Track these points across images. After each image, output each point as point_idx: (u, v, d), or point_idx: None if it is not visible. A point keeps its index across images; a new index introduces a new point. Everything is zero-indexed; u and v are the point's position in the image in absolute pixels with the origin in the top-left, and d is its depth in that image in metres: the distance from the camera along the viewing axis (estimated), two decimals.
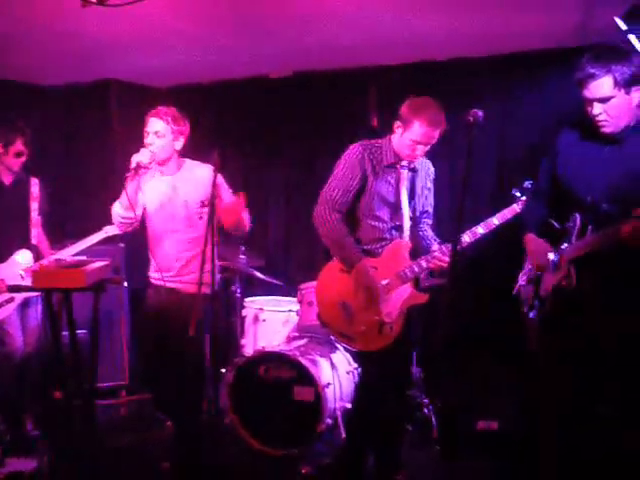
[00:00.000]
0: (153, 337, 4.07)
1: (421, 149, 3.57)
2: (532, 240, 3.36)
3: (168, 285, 3.99)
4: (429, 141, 3.56)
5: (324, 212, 3.63)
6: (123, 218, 3.91)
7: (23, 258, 4.60)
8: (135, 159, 3.74)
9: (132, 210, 3.85)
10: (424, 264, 3.58)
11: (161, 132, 3.87)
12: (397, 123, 3.60)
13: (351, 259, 3.58)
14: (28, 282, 4.39)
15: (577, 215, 3.11)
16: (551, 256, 3.21)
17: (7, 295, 4.47)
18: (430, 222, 3.92)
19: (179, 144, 3.96)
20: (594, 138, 3.10)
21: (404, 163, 3.66)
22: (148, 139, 3.89)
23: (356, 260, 3.56)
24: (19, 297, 4.55)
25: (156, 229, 4.03)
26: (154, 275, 4.08)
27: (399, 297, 3.60)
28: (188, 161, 4.08)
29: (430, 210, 3.90)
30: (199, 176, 3.95)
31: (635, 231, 2.79)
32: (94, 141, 6.38)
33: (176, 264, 3.99)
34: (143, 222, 4.07)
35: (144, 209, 4.02)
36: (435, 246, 3.67)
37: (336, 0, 4.23)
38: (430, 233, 3.85)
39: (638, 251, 2.82)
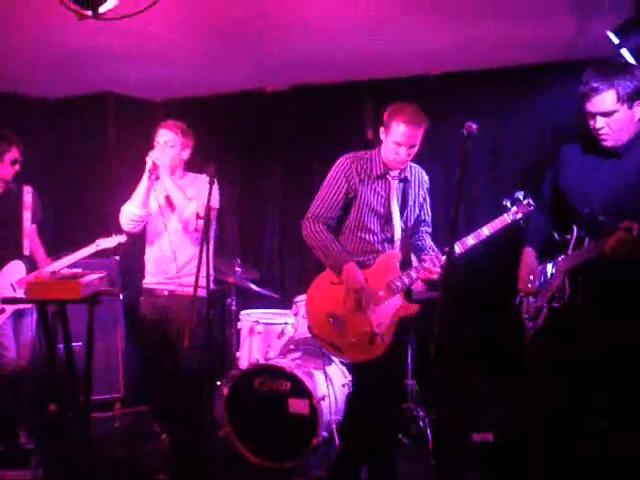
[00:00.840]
0: (152, 344, 4.15)
1: (403, 151, 3.51)
2: (526, 258, 3.39)
3: (166, 288, 4.11)
4: (409, 141, 3.50)
5: (309, 225, 3.64)
6: (136, 216, 4.12)
7: (15, 269, 4.60)
8: (151, 158, 4.03)
9: (146, 207, 4.11)
10: (414, 275, 3.56)
11: (170, 142, 4.13)
12: (381, 129, 3.60)
13: (339, 263, 3.55)
14: (19, 294, 4.40)
15: (575, 227, 3.14)
16: (549, 267, 3.25)
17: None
18: (429, 230, 3.88)
19: (185, 154, 4.22)
20: (595, 152, 3.13)
21: (394, 173, 3.64)
22: (158, 148, 4.12)
23: (344, 262, 3.54)
24: (10, 309, 4.53)
25: (155, 229, 4.19)
26: (150, 280, 4.20)
27: (390, 308, 3.57)
28: (191, 174, 4.30)
29: (428, 219, 3.87)
30: (200, 188, 4.09)
31: (618, 243, 2.83)
32: (90, 153, 6.38)
33: (173, 264, 4.10)
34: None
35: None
36: (425, 257, 3.63)
37: (332, 14, 4.26)
38: (428, 243, 3.80)
39: (623, 261, 2.85)
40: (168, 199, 4.13)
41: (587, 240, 3.07)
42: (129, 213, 4.12)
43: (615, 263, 2.89)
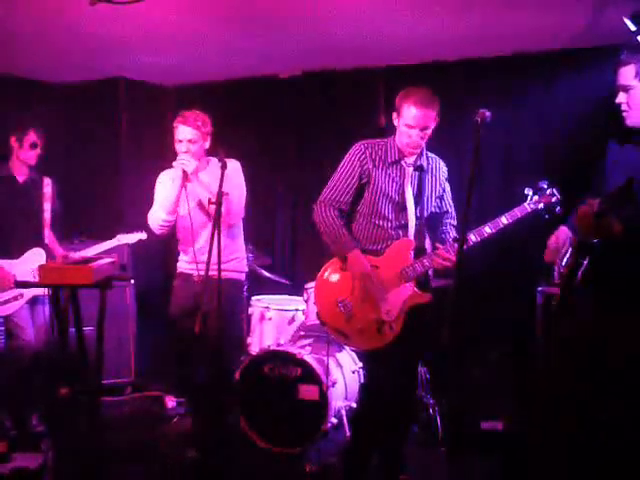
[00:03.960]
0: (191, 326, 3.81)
1: (415, 134, 3.46)
2: (557, 232, 3.31)
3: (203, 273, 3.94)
4: (421, 123, 3.44)
5: (321, 209, 3.62)
6: (165, 222, 4.08)
7: (36, 257, 4.63)
8: (181, 165, 3.95)
9: (175, 212, 4.06)
10: (427, 263, 3.51)
11: (194, 138, 4.03)
12: (394, 115, 3.55)
13: (344, 250, 3.54)
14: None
15: None
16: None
17: (17, 291, 4.50)
18: (454, 223, 3.80)
19: (207, 144, 4.15)
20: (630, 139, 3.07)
21: (409, 161, 3.59)
22: (182, 147, 4.03)
23: (349, 249, 3.52)
24: (28, 294, 4.57)
25: (190, 226, 4.09)
26: (188, 266, 4.19)
27: (400, 296, 3.53)
28: (212, 159, 4.21)
29: (451, 210, 3.79)
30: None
31: (581, 215, 2.90)
32: (102, 139, 6.38)
33: (207, 256, 3.83)
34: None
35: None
36: (439, 245, 3.56)
37: (347, 1, 4.23)
38: (452, 235, 3.71)
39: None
40: (200, 203, 4.07)
41: None
42: (157, 218, 4.08)
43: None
